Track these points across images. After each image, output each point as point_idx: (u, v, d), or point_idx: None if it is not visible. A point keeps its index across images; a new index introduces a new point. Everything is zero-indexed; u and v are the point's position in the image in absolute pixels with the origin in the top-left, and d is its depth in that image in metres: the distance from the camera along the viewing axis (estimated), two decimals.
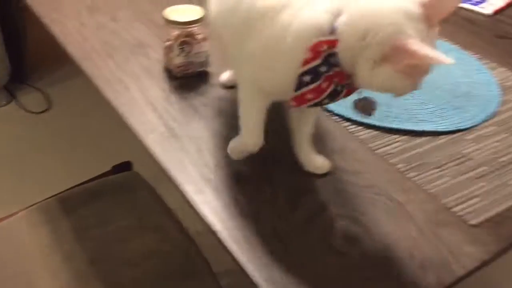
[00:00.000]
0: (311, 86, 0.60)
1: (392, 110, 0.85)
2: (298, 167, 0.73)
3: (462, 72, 0.96)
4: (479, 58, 1.01)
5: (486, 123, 0.84)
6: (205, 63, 0.92)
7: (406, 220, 0.66)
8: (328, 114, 0.84)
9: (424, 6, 0.57)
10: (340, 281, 0.59)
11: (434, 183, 0.72)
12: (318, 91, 0.61)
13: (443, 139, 0.80)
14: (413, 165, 0.75)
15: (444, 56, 0.52)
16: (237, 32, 0.67)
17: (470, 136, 0.81)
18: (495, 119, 0.85)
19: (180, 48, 0.89)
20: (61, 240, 1.07)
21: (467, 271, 0.60)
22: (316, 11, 0.59)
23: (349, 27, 0.58)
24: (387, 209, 0.67)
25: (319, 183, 0.71)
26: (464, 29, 1.12)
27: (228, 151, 0.73)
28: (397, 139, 0.80)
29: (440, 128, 0.82)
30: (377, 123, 0.82)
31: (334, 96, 0.63)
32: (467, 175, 0.73)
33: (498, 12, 1.19)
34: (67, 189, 1.19)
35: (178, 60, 0.90)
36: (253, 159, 0.74)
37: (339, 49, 0.58)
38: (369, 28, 0.56)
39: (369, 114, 0.68)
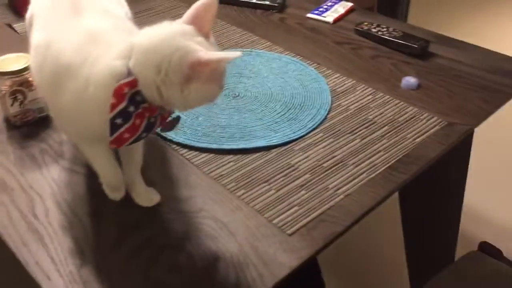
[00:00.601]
0: (125, 127, 0.63)
1: (227, 131, 0.89)
2: (129, 201, 0.75)
3: (298, 83, 1.03)
4: (317, 67, 1.08)
5: (315, 131, 0.90)
6: (46, 108, 0.92)
7: (228, 240, 0.69)
8: (167, 142, 0.87)
9: (191, 22, 0.63)
10: None
11: (260, 198, 0.76)
12: (133, 129, 0.64)
13: (274, 153, 0.85)
14: (242, 183, 0.79)
15: (231, 53, 0.59)
16: (47, 87, 0.69)
17: (299, 146, 0.87)
18: (324, 126, 0.91)
19: (13, 98, 0.88)
20: None
21: (278, 279, 0.64)
22: (109, 59, 0.62)
23: (142, 67, 0.61)
24: (211, 232, 0.71)
25: (148, 215, 0.73)
26: (308, 39, 1.19)
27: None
28: (230, 160, 0.84)
29: (272, 142, 0.87)
30: (211, 146, 0.86)
31: (150, 128, 0.66)
32: (290, 186, 0.78)
33: (338, 19, 1.27)
34: None
35: (13, 109, 0.89)
36: (84, 197, 0.75)
37: (140, 87, 0.62)
38: (160, 61, 0.61)
39: (172, 129, 0.75)
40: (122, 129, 0.62)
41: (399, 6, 2.38)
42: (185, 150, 0.86)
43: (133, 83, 0.61)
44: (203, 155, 0.85)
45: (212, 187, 0.78)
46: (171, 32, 0.61)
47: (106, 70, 0.62)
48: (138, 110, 0.63)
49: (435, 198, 1.24)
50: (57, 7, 0.69)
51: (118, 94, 0.61)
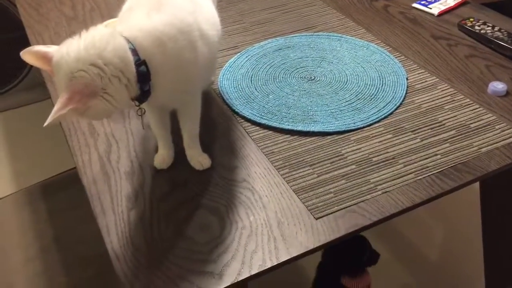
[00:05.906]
0: None
1: (290, 112, 0.93)
2: (184, 162, 0.84)
3: (377, 75, 1.01)
4: (404, 60, 1.05)
5: (377, 124, 0.90)
6: None
7: (259, 211, 0.75)
8: (234, 114, 0.94)
9: None
10: (186, 261, 0.70)
11: (300, 180, 0.80)
12: None
13: (328, 139, 0.87)
14: (289, 163, 0.83)
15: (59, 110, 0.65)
16: None
17: (356, 136, 0.87)
18: (388, 121, 0.90)
19: None
20: (37, 219, 1.26)
21: (290, 257, 0.68)
22: None
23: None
24: (246, 202, 0.77)
25: (197, 176, 0.82)
26: (405, 30, 1.16)
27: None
28: (285, 139, 0.88)
29: (328, 129, 0.89)
30: (271, 124, 0.90)
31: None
32: (333, 173, 0.80)
33: (445, 12, 1.20)
34: (51, 177, 1.37)
35: None
36: (150, 152, 0.86)
37: None
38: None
39: None
40: None
41: None
42: (247, 124, 0.92)
43: None
44: (263, 131, 0.90)
45: (260, 161, 0.84)
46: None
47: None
48: None
49: None
50: None
51: None
